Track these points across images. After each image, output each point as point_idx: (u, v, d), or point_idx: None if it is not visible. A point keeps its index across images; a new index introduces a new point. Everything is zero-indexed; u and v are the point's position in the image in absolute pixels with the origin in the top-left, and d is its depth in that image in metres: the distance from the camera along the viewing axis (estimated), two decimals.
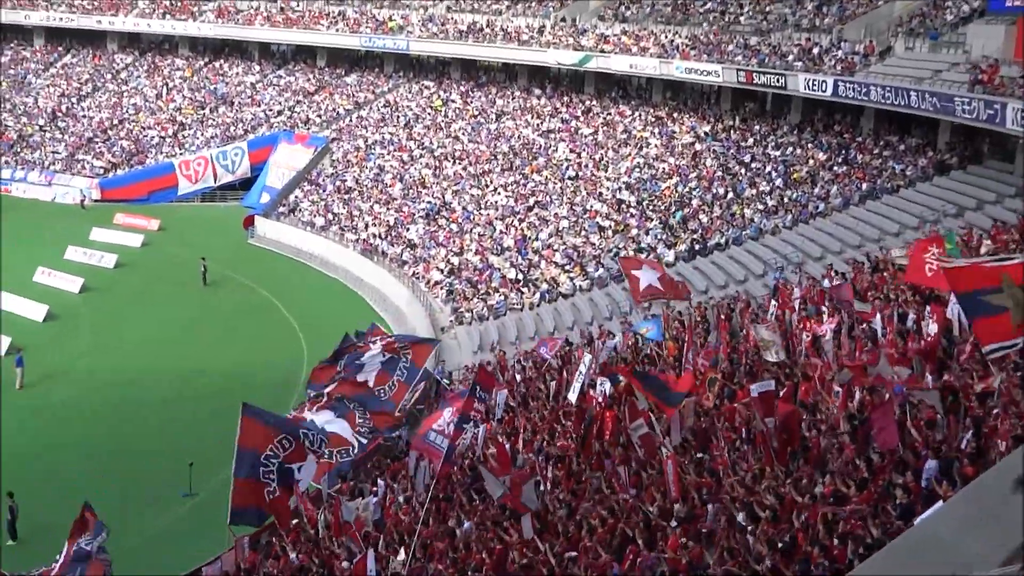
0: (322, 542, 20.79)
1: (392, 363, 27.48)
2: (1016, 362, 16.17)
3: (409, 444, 27.43)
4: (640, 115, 58.30)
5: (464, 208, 55.11)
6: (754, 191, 45.78)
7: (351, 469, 25.74)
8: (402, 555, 17.59)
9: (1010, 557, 3.52)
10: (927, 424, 15.84)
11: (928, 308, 21.28)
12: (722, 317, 28.14)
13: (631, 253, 43.79)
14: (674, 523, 15.54)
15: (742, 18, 55.82)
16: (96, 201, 68.09)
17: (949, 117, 38.71)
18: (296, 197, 63.73)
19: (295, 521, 22.50)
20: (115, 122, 77.25)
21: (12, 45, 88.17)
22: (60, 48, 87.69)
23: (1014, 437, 13.75)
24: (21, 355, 40.64)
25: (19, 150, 75.25)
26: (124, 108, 78.82)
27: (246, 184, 69.17)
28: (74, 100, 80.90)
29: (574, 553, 15.78)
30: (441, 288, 47.47)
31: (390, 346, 28.21)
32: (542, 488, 19.73)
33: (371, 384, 27.12)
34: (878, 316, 22.27)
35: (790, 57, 48.98)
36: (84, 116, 78.69)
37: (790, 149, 48.27)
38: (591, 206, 50.35)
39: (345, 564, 18.59)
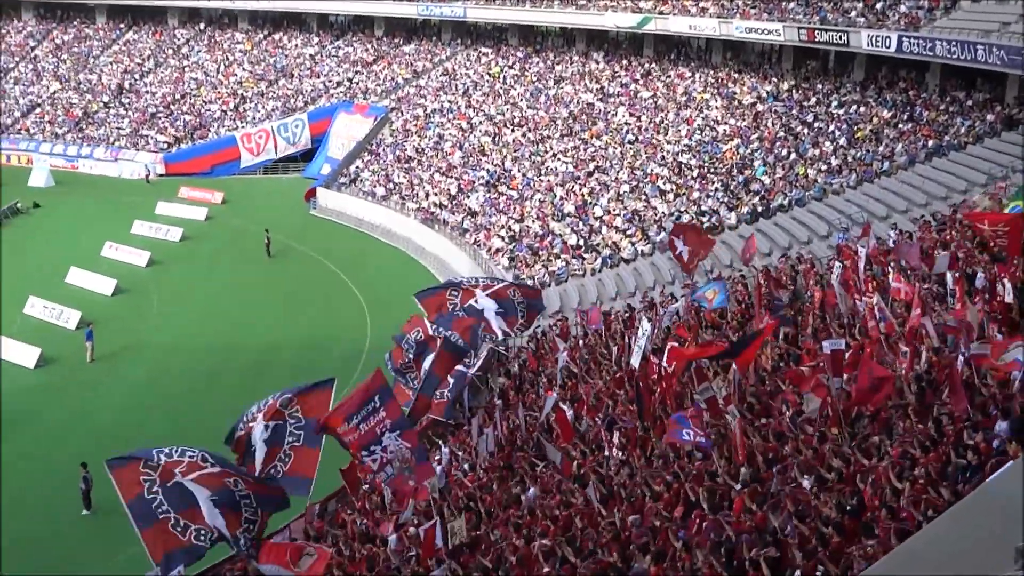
0: (389, 508, 20.96)
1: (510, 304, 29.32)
2: None
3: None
4: (700, 77, 57.73)
5: (524, 175, 55.00)
6: (817, 151, 45.17)
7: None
8: (460, 521, 17.60)
9: None
10: (998, 384, 15.57)
11: (996, 268, 20.89)
12: (784, 280, 27.88)
13: (692, 217, 43.54)
14: (739, 486, 15.46)
15: None
16: (160, 175, 68.99)
17: (1017, 71, 37.93)
18: (357, 167, 64.01)
19: (364, 487, 22.71)
20: (177, 97, 78.00)
21: (75, 23, 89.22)
22: (122, 25, 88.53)
23: None
24: (91, 329, 41.35)
25: (84, 127, 76.29)
26: (186, 83, 79.53)
27: (307, 155, 69.64)
28: (137, 76, 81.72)
29: (637, 517, 15.74)
30: (503, 255, 47.47)
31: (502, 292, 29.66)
32: (607, 454, 19.74)
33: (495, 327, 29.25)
34: (948, 275, 21.86)
35: (853, 13, 48.18)
36: (147, 92, 79.49)
37: (854, 107, 47.53)
38: (651, 170, 50.03)
39: (412, 530, 18.73)
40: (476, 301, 28.99)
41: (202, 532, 17.58)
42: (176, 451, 17.70)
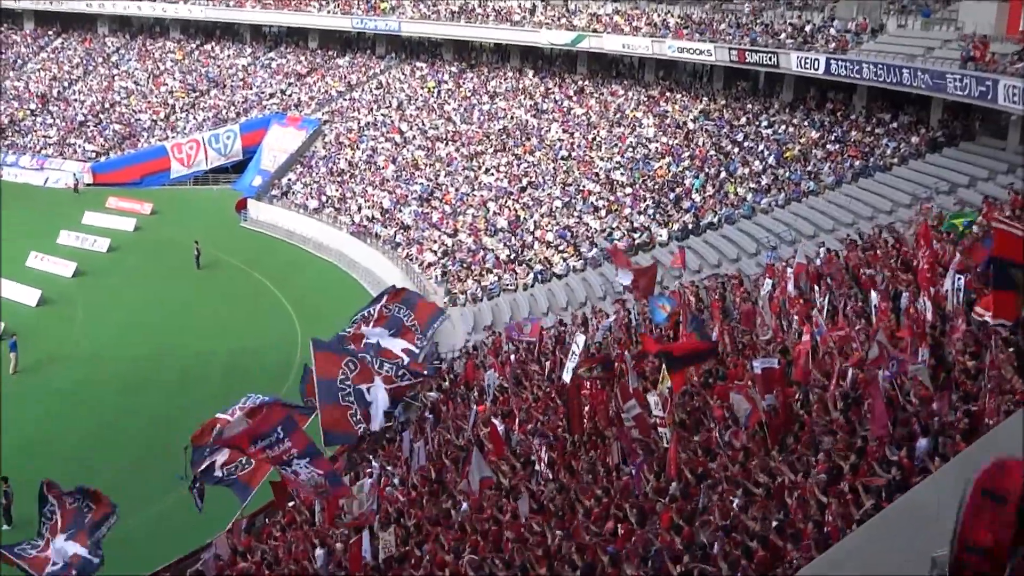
0: (318, 524, 20.85)
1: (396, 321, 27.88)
2: (1007, 339, 16.19)
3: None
4: (633, 95, 58.22)
5: (457, 189, 55.06)
6: (747, 170, 45.76)
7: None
8: (388, 534, 17.57)
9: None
10: (921, 401, 15.87)
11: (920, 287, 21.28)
12: (715, 297, 28.17)
13: (624, 233, 43.87)
14: (665, 500, 15.58)
15: None
16: (88, 185, 67.97)
17: (941, 94, 38.68)
18: (289, 180, 63.63)
19: (291, 504, 22.58)
20: (106, 106, 77.00)
21: (2, 29, 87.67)
22: (50, 32, 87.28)
23: (1005, 413, 13.77)
24: (15, 340, 40.60)
25: (10, 135, 74.99)
26: (115, 92, 78.55)
27: (238, 167, 69.04)
28: (65, 84, 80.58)
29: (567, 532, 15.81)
30: (435, 269, 47.48)
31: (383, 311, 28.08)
32: (537, 468, 19.80)
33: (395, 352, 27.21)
34: (873, 293, 22.24)
35: (782, 35, 48.88)
36: (75, 100, 78.41)
37: (782, 127, 48.22)
38: (584, 186, 50.33)
39: (339, 546, 18.65)
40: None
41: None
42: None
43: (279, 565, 19.37)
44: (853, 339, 19.85)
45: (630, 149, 52.48)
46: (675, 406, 19.72)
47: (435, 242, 50.15)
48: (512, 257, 46.41)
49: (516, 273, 45.01)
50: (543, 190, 51.73)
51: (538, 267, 44.84)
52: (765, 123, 49.34)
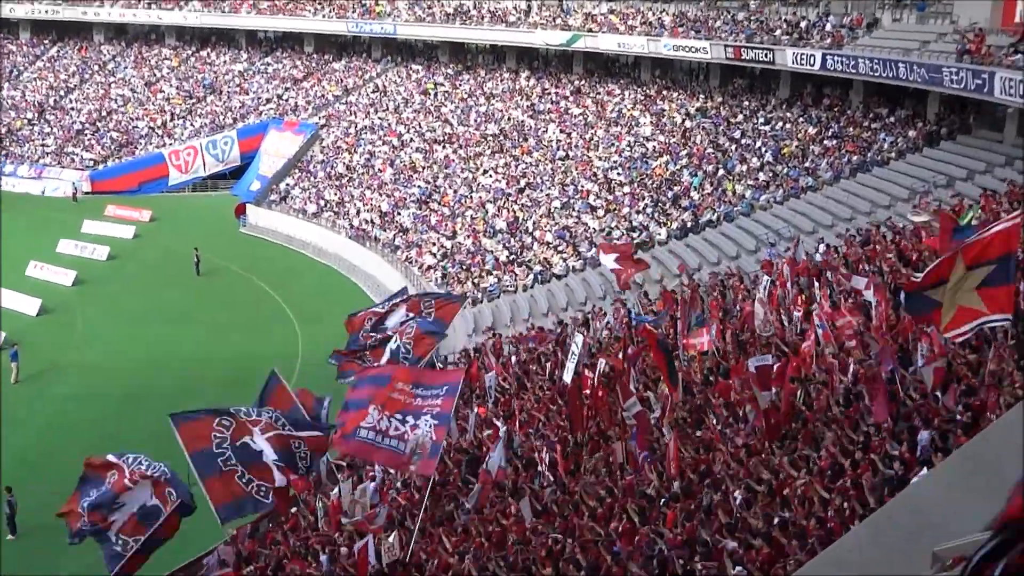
0: (321, 528, 20.84)
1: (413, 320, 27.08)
2: (1008, 331, 16.20)
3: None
4: (629, 94, 58.21)
5: (455, 191, 55.06)
6: (745, 167, 45.76)
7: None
8: (392, 538, 17.58)
9: (993, 522, 3.54)
10: (922, 395, 15.87)
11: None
12: (715, 294, 28.18)
13: (623, 233, 43.85)
14: (667, 498, 15.58)
15: None
16: (87, 193, 67.97)
17: (937, 88, 38.68)
18: (287, 184, 63.63)
19: (293, 509, 22.54)
20: (104, 114, 76.99)
21: None
22: (46, 41, 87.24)
23: (1006, 406, 13.78)
24: (16, 349, 40.58)
25: (8, 144, 74.95)
26: (112, 99, 78.53)
27: (236, 173, 69.03)
28: (62, 93, 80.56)
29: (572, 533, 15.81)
30: (434, 272, 47.47)
31: (414, 306, 27.92)
32: (539, 468, 19.79)
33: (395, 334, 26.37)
34: (872, 289, 22.22)
35: (778, 32, 48.90)
36: (72, 108, 78.38)
37: (780, 124, 48.21)
38: (582, 186, 50.33)
39: (344, 550, 18.63)
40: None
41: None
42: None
43: (283, 570, 19.35)
44: (853, 336, 19.87)
45: (627, 148, 52.48)
46: (675, 404, 19.76)
47: (434, 244, 50.15)
48: (511, 258, 46.42)
49: (515, 274, 45.02)
50: (541, 191, 51.73)
51: (537, 268, 44.83)
52: (762, 120, 49.35)
